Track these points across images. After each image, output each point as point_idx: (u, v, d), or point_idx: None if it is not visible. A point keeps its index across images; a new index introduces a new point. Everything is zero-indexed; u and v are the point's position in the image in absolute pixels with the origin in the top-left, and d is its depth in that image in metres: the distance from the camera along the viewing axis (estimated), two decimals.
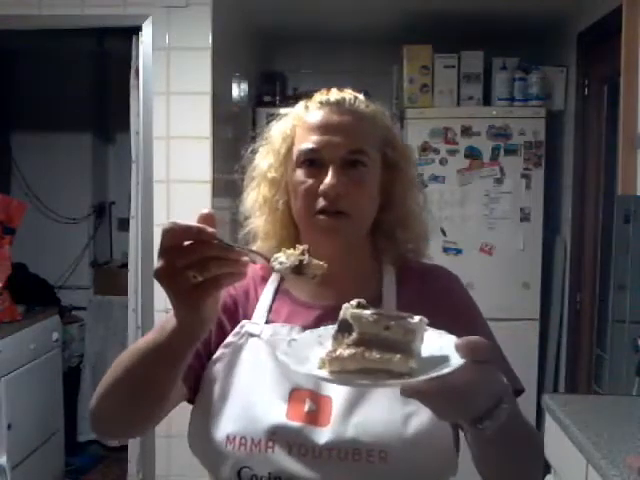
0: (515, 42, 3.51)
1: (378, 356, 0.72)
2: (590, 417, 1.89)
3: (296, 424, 0.97)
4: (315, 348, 0.79)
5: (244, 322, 1.07)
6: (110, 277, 4.13)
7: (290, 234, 1.10)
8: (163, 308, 2.85)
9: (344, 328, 0.76)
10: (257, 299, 1.10)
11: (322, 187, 1.01)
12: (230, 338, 1.05)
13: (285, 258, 0.80)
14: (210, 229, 0.75)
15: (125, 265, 3.23)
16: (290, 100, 3.73)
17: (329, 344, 0.77)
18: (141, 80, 2.86)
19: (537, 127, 3.36)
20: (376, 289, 1.07)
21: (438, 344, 0.77)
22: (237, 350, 1.04)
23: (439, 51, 3.42)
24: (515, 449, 0.88)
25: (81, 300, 4.17)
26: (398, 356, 0.72)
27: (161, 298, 2.86)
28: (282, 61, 4.07)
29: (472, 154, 3.38)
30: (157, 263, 0.76)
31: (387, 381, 0.72)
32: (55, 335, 3.51)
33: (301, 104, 1.10)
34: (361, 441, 0.95)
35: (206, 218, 0.76)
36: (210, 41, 2.83)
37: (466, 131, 3.37)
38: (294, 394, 0.99)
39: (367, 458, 0.94)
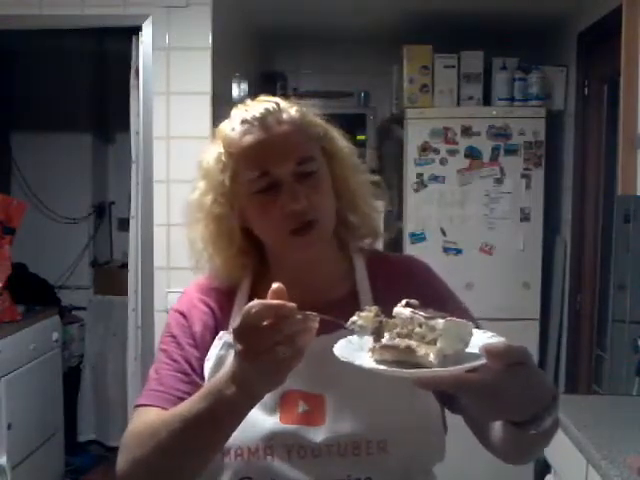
0: (515, 42, 3.51)
1: (407, 350, 0.80)
2: (590, 417, 1.89)
3: (291, 427, 0.96)
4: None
5: (222, 333, 1.05)
6: (110, 277, 4.13)
7: (251, 259, 1.09)
8: (163, 308, 2.85)
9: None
10: (230, 311, 1.07)
11: (287, 209, 0.98)
12: (211, 351, 1.04)
13: (364, 322, 0.85)
14: (290, 304, 0.79)
15: (125, 265, 3.23)
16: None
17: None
18: (141, 80, 2.86)
19: (537, 127, 3.36)
20: (350, 284, 1.08)
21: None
22: (219, 362, 1.02)
23: (439, 51, 3.42)
24: (549, 439, 0.90)
25: (81, 300, 4.17)
26: (423, 351, 0.78)
27: (161, 298, 2.86)
28: (282, 61, 4.07)
29: (472, 154, 3.37)
30: (239, 345, 0.80)
31: (395, 369, 0.78)
32: (55, 335, 3.51)
33: (225, 126, 1.06)
34: (359, 434, 0.95)
35: (279, 293, 0.81)
36: (210, 41, 2.83)
37: (466, 131, 3.37)
38: (285, 397, 0.99)
39: (367, 450, 0.95)
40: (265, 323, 0.78)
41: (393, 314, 0.84)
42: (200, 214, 1.07)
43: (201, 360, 1.05)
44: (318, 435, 0.96)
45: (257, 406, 0.96)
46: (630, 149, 2.36)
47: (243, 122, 1.02)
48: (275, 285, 0.81)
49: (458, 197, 3.37)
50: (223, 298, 1.10)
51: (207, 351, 1.05)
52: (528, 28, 3.55)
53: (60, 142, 4.23)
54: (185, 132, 2.85)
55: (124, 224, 3.70)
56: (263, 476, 0.96)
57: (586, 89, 3.27)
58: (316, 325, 0.82)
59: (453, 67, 3.42)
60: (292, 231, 1.00)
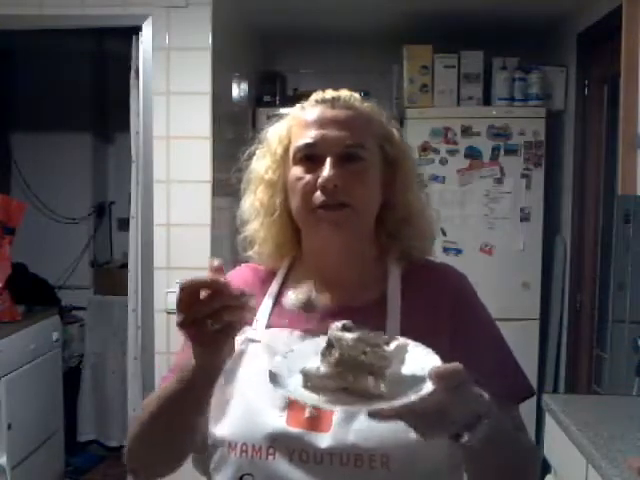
0: (515, 42, 3.51)
1: (352, 378, 0.78)
2: (590, 417, 1.89)
3: (296, 430, 0.95)
4: (312, 358, 0.83)
5: (245, 328, 1.03)
6: (110, 277, 4.13)
7: (288, 236, 1.09)
8: (163, 308, 2.85)
9: (330, 346, 0.81)
10: (262, 299, 1.08)
11: (320, 181, 0.99)
12: None
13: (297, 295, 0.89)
14: (222, 280, 0.81)
15: (125, 265, 3.23)
16: (290, 100, 3.73)
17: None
18: (141, 80, 2.86)
19: (537, 127, 3.36)
20: (380, 290, 1.04)
21: (421, 364, 0.79)
22: (237, 356, 1.02)
23: (439, 51, 3.42)
24: (502, 462, 0.91)
25: (81, 300, 4.17)
26: (371, 380, 0.77)
27: (161, 298, 2.86)
28: (282, 61, 4.07)
29: (472, 154, 3.37)
30: (178, 316, 0.82)
31: (352, 405, 0.77)
32: (55, 335, 3.51)
33: (298, 106, 1.09)
34: (363, 446, 0.93)
35: (217, 270, 0.83)
36: (210, 41, 2.83)
37: (466, 131, 3.37)
38: (294, 400, 0.98)
39: (369, 464, 0.93)
40: (202, 296, 0.81)
41: (330, 338, 0.81)
42: (252, 176, 1.11)
43: None
44: (322, 442, 0.94)
45: (267, 405, 0.97)
46: (630, 149, 2.35)
47: (316, 101, 1.07)
48: (216, 263, 0.84)
49: (458, 197, 3.37)
50: (250, 288, 1.10)
51: None
52: (528, 28, 3.55)
53: (60, 142, 4.23)
54: (185, 132, 2.85)
55: (124, 224, 3.69)
56: (264, 475, 0.95)
57: (586, 89, 3.27)
58: (253, 302, 0.85)
59: (453, 67, 3.42)
60: (319, 205, 1.00)
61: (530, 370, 3.30)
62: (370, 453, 0.93)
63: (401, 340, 0.81)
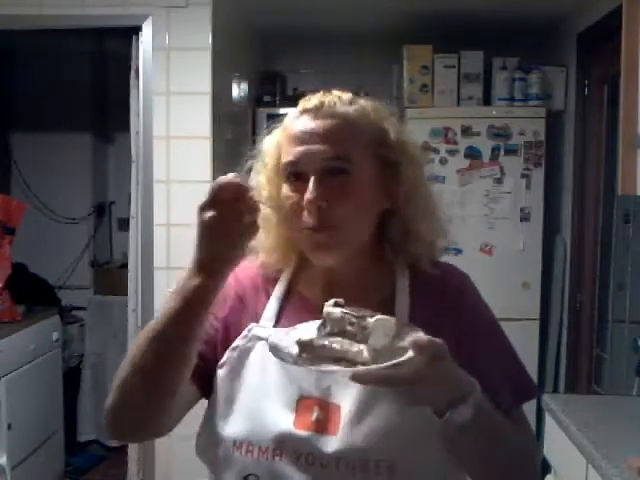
0: (515, 42, 3.51)
1: (339, 347, 0.86)
2: (590, 417, 1.89)
3: (304, 433, 0.95)
4: (312, 333, 0.91)
5: (252, 325, 1.03)
6: (110, 277, 4.13)
7: (293, 246, 1.07)
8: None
9: (325, 321, 0.90)
10: (266, 300, 1.06)
11: (304, 203, 0.97)
12: (237, 341, 1.03)
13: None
14: (246, 185, 0.90)
15: (125, 265, 3.23)
16: (290, 100, 3.73)
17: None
18: (141, 80, 2.86)
19: (537, 127, 3.36)
20: (389, 292, 1.03)
21: (408, 339, 0.86)
22: (244, 354, 1.01)
23: (439, 51, 3.42)
24: (488, 450, 0.92)
25: (81, 300, 4.16)
26: (355, 349, 0.85)
27: (161, 298, 2.86)
28: (282, 61, 4.07)
29: (472, 154, 3.38)
30: (206, 217, 0.88)
31: (333, 367, 0.85)
32: (55, 335, 3.51)
33: (291, 112, 1.06)
34: (369, 452, 0.93)
35: (236, 177, 0.91)
36: (210, 41, 2.83)
37: (466, 131, 3.37)
38: (302, 402, 0.97)
39: (375, 470, 0.92)
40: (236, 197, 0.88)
41: (323, 314, 0.89)
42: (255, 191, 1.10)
43: (222, 345, 1.03)
44: (329, 445, 0.94)
45: (275, 405, 0.97)
46: (630, 149, 2.35)
47: (301, 110, 1.03)
48: (232, 174, 0.90)
49: (458, 197, 3.37)
50: (260, 283, 1.09)
51: (229, 336, 1.03)
52: (528, 28, 3.55)
53: (60, 142, 4.23)
54: (185, 132, 2.85)
55: (124, 224, 3.69)
56: (269, 476, 0.94)
57: (586, 89, 3.27)
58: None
59: (453, 67, 3.42)
60: (306, 227, 0.98)
61: (530, 370, 3.27)
62: (377, 459, 0.93)
63: (384, 316, 0.86)
